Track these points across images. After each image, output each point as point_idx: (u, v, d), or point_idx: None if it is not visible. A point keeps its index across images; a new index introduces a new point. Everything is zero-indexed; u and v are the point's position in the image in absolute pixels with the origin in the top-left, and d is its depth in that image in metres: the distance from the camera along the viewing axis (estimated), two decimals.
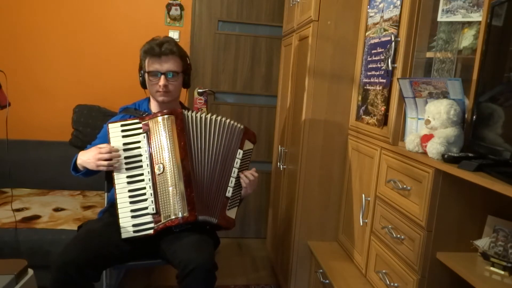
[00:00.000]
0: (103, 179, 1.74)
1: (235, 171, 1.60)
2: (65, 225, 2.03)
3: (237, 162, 1.61)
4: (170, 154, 1.51)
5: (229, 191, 1.58)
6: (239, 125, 1.64)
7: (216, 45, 2.87)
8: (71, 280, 1.34)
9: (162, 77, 1.60)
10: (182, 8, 2.83)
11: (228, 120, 1.62)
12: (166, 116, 1.53)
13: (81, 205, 2.33)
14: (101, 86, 2.82)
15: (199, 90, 2.84)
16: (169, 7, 2.82)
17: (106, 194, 1.78)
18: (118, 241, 1.46)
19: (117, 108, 1.82)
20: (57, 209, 2.23)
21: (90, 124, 2.57)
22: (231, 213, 1.60)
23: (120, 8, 2.79)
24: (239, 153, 1.62)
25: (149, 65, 1.61)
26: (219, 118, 1.61)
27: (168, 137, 1.52)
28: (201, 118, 1.58)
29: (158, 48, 1.58)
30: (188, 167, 1.51)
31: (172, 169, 1.50)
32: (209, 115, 1.60)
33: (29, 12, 2.71)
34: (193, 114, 1.58)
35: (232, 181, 1.59)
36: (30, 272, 1.06)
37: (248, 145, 1.66)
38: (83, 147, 1.74)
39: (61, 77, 2.79)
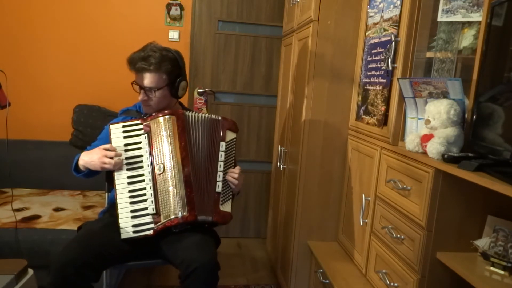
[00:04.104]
0: (103, 179, 1.74)
1: (221, 165, 1.60)
2: (65, 225, 2.03)
3: (221, 156, 1.61)
4: (171, 154, 1.51)
5: (218, 186, 1.58)
6: (216, 117, 1.63)
7: (216, 45, 2.87)
8: (69, 281, 1.34)
9: (142, 91, 1.59)
10: (182, 8, 2.83)
11: (207, 115, 1.62)
12: (167, 116, 1.54)
13: (81, 205, 2.33)
14: (101, 86, 2.82)
15: (199, 90, 2.84)
16: (169, 7, 2.82)
17: (106, 194, 1.78)
18: (117, 241, 1.46)
19: (117, 108, 1.82)
20: (57, 209, 2.23)
21: (90, 124, 2.57)
22: (226, 207, 1.59)
23: (120, 8, 2.79)
24: (222, 145, 1.61)
25: (135, 75, 1.60)
26: (204, 115, 1.61)
27: (169, 137, 1.52)
28: (199, 117, 1.59)
29: (137, 63, 1.54)
30: (188, 167, 1.51)
31: (172, 169, 1.50)
32: (199, 113, 1.60)
33: (29, 12, 2.71)
34: (193, 114, 1.59)
35: (219, 176, 1.59)
36: (30, 272, 1.06)
37: (230, 135, 1.65)
38: (83, 147, 1.74)
39: (61, 77, 2.79)
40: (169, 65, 1.58)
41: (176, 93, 1.64)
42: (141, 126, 1.55)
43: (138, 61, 1.54)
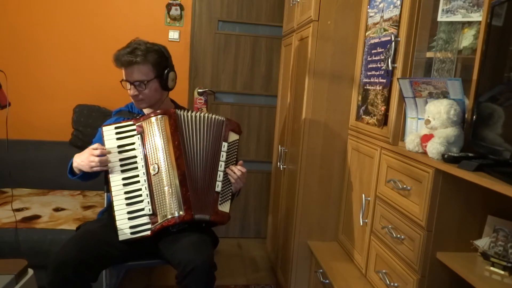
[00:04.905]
0: (103, 179, 1.74)
1: (221, 165, 1.59)
2: (65, 225, 2.03)
3: (223, 156, 1.60)
4: (165, 154, 1.51)
5: (218, 185, 1.57)
6: (220, 117, 1.63)
7: (216, 45, 2.87)
8: (67, 280, 1.34)
9: (132, 86, 1.59)
10: (182, 8, 2.83)
11: (210, 115, 1.62)
12: (159, 116, 1.54)
13: (81, 205, 2.33)
14: (101, 86, 2.82)
15: (199, 90, 2.84)
16: (169, 7, 2.82)
17: (106, 194, 1.78)
18: (116, 241, 1.46)
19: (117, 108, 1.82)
20: (57, 209, 2.23)
21: (90, 124, 2.57)
22: (224, 207, 1.58)
23: (120, 8, 2.79)
24: (224, 146, 1.61)
25: (123, 71, 1.60)
26: (206, 115, 1.61)
27: (162, 137, 1.52)
28: (192, 116, 1.58)
29: (123, 57, 1.54)
30: (182, 166, 1.51)
31: (167, 168, 1.50)
32: (198, 113, 1.60)
33: (29, 12, 2.71)
34: (185, 113, 1.58)
35: (220, 175, 1.58)
36: (30, 272, 1.06)
37: (233, 136, 1.65)
38: (83, 147, 1.73)
39: (61, 77, 2.79)
40: (155, 55, 1.59)
41: (166, 85, 1.64)
42: (134, 127, 1.55)
43: (124, 55, 1.55)
